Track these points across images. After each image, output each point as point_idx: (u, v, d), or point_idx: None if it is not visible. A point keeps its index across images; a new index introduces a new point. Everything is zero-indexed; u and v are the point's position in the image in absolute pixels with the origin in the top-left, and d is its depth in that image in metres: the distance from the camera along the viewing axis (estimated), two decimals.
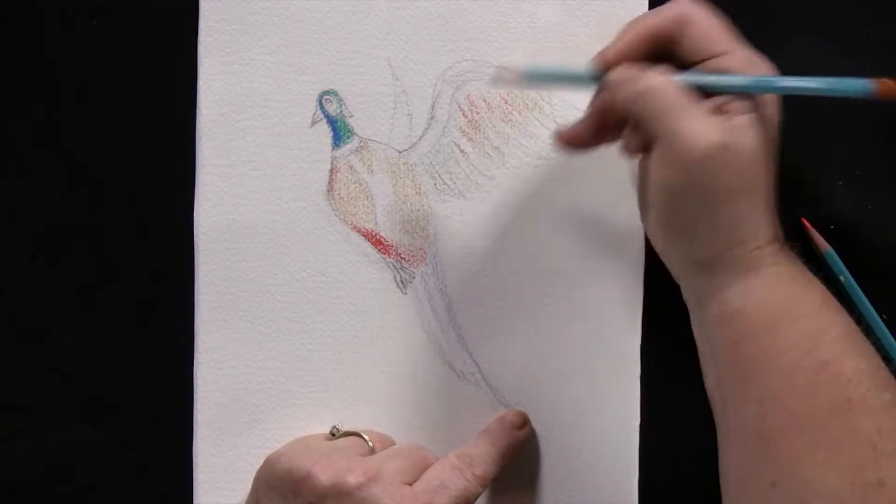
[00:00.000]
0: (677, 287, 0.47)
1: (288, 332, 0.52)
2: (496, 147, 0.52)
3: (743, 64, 0.43)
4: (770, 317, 0.42)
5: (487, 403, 0.51)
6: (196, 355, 0.52)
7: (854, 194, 0.51)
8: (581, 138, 0.47)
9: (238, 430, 0.51)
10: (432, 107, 0.52)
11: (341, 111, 0.52)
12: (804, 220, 0.51)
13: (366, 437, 0.48)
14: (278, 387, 0.52)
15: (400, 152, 0.52)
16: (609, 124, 0.46)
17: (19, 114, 0.53)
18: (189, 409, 0.52)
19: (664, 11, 0.44)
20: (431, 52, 0.52)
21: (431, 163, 0.52)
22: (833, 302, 0.43)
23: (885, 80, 0.35)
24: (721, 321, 0.43)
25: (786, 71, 0.52)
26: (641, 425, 0.51)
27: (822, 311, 0.42)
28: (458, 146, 0.52)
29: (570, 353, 0.51)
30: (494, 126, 0.52)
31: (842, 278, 0.50)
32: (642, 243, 0.51)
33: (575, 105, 0.51)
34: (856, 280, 0.50)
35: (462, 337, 0.52)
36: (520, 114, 0.52)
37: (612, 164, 0.51)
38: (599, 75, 0.44)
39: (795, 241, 0.51)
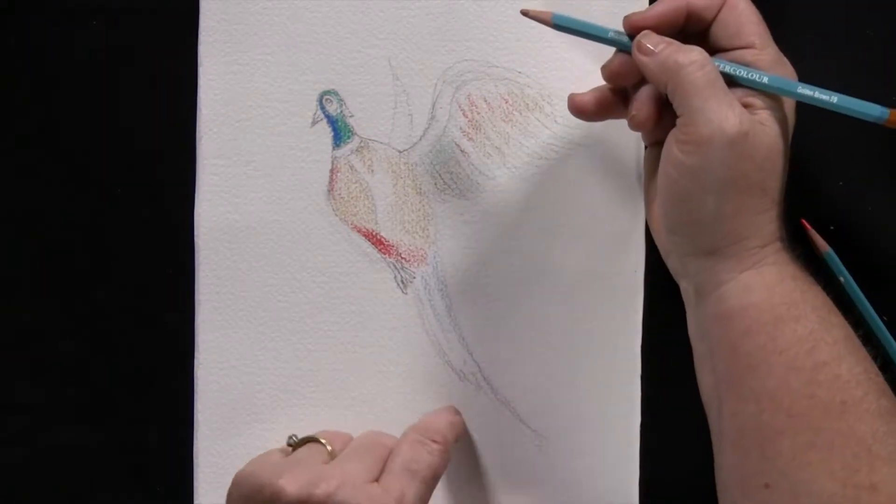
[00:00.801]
0: (677, 287, 0.47)
1: (288, 332, 0.52)
2: (497, 147, 0.52)
3: (770, 61, 0.43)
4: (770, 315, 0.42)
5: (487, 403, 0.51)
6: (196, 355, 0.52)
7: (854, 194, 0.51)
8: (592, 104, 0.47)
9: (238, 430, 0.51)
10: (433, 107, 0.52)
11: (342, 111, 0.52)
12: (804, 220, 0.51)
13: (323, 440, 0.48)
14: (278, 387, 0.52)
15: (400, 152, 0.52)
16: (619, 91, 0.46)
17: (19, 114, 0.53)
18: (189, 409, 0.52)
19: None
20: (432, 52, 0.52)
21: (432, 163, 0.52)
22: (832, 305, 0.43)
23: None
24: (719, 318, 0.43)
25: None
26: (641, 425, 0.51)
27: (822, 313, 0.42)
28: (459, 146, 0.52)
29: (570, 353, 0.51)
30: (495, 126, 0.52)
31: (842, 279, 0.50)
32: (642, 243, 0.51)
33: None
34: (856, 281, 0.50)
35: (462, 337, 0.52)
36: (520, 114, 0.52)
37: (613, 163, 0.51)
38: (628, 38, 0.44)
39: (795, 241, 0.51)
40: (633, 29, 0.44)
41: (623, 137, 0.51)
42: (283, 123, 0.52)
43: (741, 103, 0.42)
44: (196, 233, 0.52)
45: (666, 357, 0.51)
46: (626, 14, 0.45)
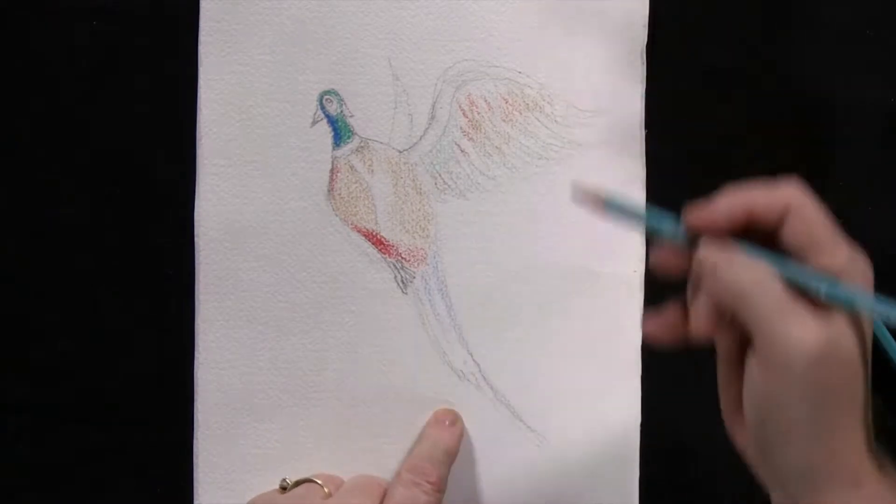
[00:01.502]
0: (677, 287, 0.47)
1: (288, 332, 0.52)
2: (497, 147, 0.52)
3: (843, 264, 0.39)
4: None
5: (487, 403, 0.51)
6: (196, 355, 0.52)
7: (854, 194, 0.51)
8: (673, 327, 0.43)
9: (238, 430, 0.51)
10: (433, 106, 0.52)
11: (342, 111, 0.52)
12: None
13: (319, 481, 0.48)
14: (278, 387, 0.52)
15: (400, 152, 0.52)
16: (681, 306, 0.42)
17: (19, 113, 0.53)
18: (189, 409, 0.52)
19: (771, 194, 0.40)
20: (432, 52, 0.52)
21: (432, 162, 0.52)
22: None
23: None
24: None
25: (788, 71, 0.52)
26: (641, 425, 0.51)
27: None
28: (459, 146, 0.52)
29: (570, 353, 0.51)
30: (495, 126, 0.52)
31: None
32: (642, 243, 0.51)
33: (575, 105, 0.51)
34: None
35: (462, 337, 0.52)
36: (520, 114, 0.52)
37: (613, 163, 0.51)
38: (690, 239, 0.41)
39: None
40: (693, 230, 0.41)
41: (623, 137, 0.51)
42: (283, 123, 0.52)
43: (818, 304, 0.38)
44: (196, 233, 0.52)
45: (666, 357, 0.51)
46: (688, 208, 0.41)
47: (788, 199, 0.40)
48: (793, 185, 0.41)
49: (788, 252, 0.40)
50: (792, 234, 0.40)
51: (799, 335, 0.37)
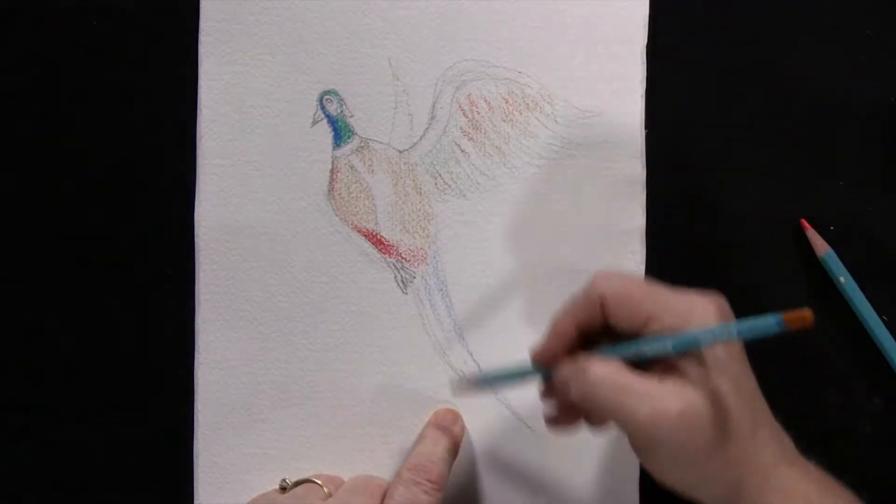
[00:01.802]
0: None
1: (288, 332, 0.52)
2: (497, 147, 0.52)
3: (674, 322, 0.41)
4: None
5: (487, 403, 0.51)
6: (196, 355, 0.52)
7: (854, 194, 0.51)
8: (558, 421, 0.46)
9: (238, 430, 0.51)
10: (433, 106, 0.52)
11: (342, 111, 0.52)
12: (804, 220, 0.51)
13: (319, 481, 0.48)
14: (278, 387, 0.52)
15: (401, 152, 0.52)
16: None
17: (19, 114, 0.53)
18: (189, 409, 0.52)
19: (581, 297, 0.43)
20: (432, 52, 0.52)
21: (432, 162, 0.52)
22: None
23: (790, 312, 0.35)
24: None
25: (789, 71, 0.52)
26: None
27: None
28: (459, 146, 0.52)
29: None
30: (495, 126, 0.52)
31: (842, 279, 0.50)
32: (642, 243, 0.51)
33: (575, 105, 0.51)
34: (855, 281, 0.50)
35: (462, 337, 0.52)
36: (520, 113, 0.52)
37: (613, 163, 0.51)
38: (545, 372, 0.44)
39: (795, 242, 0.51)
40: (544, 365, 0.44)
41: (623, 137, 0.51)
42: (283, 123, 0.52)
43: (671, 370, 0.41)
44: (196, 233, 0.52)
45: None
46: (532, 352, 0.44)
47: (600, 293, 0.42)
48: (600, 277, 0.43)
49: (626, 336, 0.42)
50: (617, 322, 0.42)
51: (651, 411, 0.40)
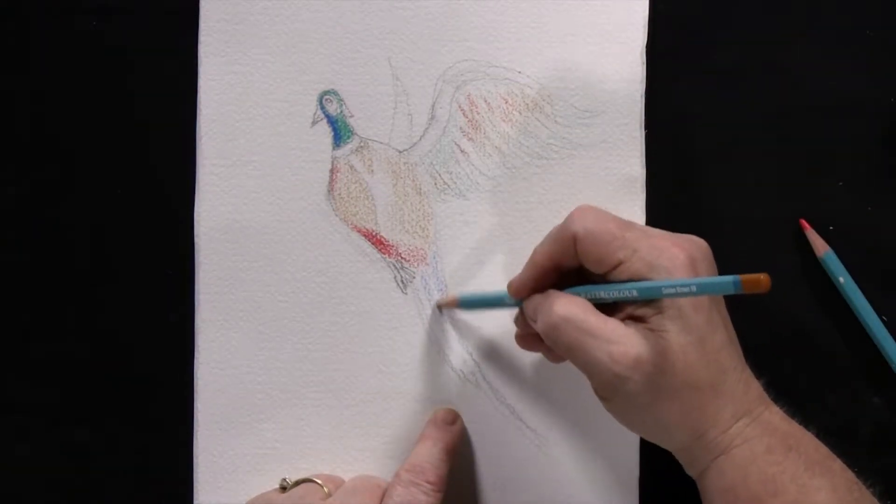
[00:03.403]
0: None
1: (288, 332, 0.52)
2: (497, 147, 0.52)
3: (642, 269, 0.42)
4: (746, 495, 0.42)
5: (487, 403, 0.51)
6: (196, 355, 0.52)
7: (854, 194, 0.51)
8: (526, 343, 0.48)
9: (238, 430, 0.51)
10: (433, 106, 0.52)
11: (342, 111, 0.52)
12: (803, 220, 0.51)
13: (319, 481, 0.48)
14: (278, 387, 0.52)
15: (400, 152, 0.52)
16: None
17: (19, 114, 0.53)
18: (189, 409, 0.52)
19: (559, 234, 0.44)
20: (432, 52, 0.52)
21: (432, 162, 0.52)
22: (819, 463, 0.42)
23: (747, 275, 0.35)
24: (710, 497, 0.43)
25: (789, 71, 0.52)
26: None
27: (802, 480, 0.41)
28: (459, 146, 0.52)
29: None
30: (495, 126, 0.52)
31: (841, 279, 0.50)
32: None
33: (575, 105, 0.51)
34: (855, 281, 0.50)
35: (462, 337, 0.52)
36: (520, 113, 0.52)
37: (613, 163, 0.51)
38: (518, 303, 0.46)
39: (795, 242, 0.51)
40: (516, 296, 0.46)
41: (623, 137, 0.51)
42: (283, 123, 0.52)
43: (634, 317, 0.42)
44: (196, 233, 0.52)
45: None
46: (509, 282, 0.46)
47: (567, 231, 0.43)
48: (576, 213, 0.43)
49: (599, 275, 0.43)
50: (584, 260, 0.43)
51: (611, 354, 0.41)
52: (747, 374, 0.43)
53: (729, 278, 0.36)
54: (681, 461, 0.44)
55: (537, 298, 0.44)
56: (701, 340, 0.41)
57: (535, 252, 0.45)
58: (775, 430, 0.42)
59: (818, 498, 0.41)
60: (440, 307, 0.51)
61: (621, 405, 0.43)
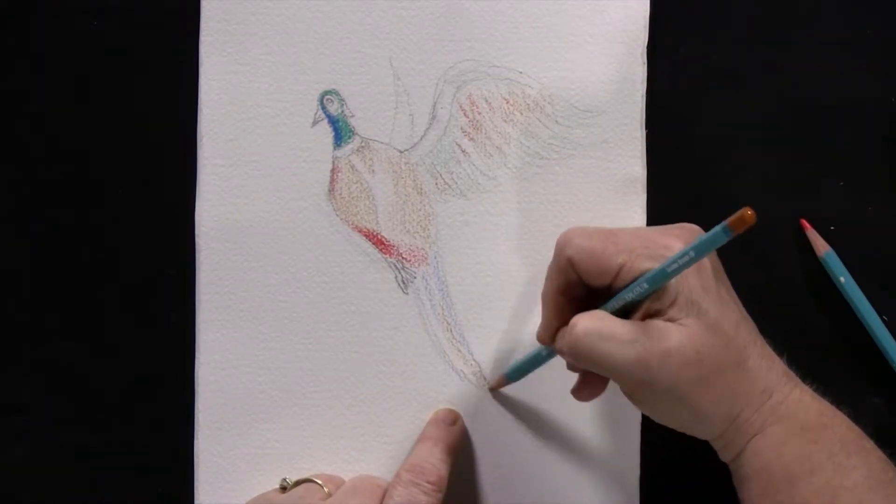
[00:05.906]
0: None
1: (288, 332, 0.52)
2: (497, 147, 0.52)
3: (644, 264, 0.42)
4: (782, 475, 0.42)
5: (487, 403, 0.51)
6: (196, 355, 0.52)
7: (854, 194, 0.51)
8: (582, 391, 0.47)
9: (238, 430, 0.51)
10: (434, 106, 0.52)
11: (343, 111, 0.52)
12: (804, 220, 0.51)
13: (319, 481, 0.48)
14: (278, 387, 0.52)
15: (401, 152, 0.52)
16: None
17: (19, 113, 0.53)
18: (189, 409, 0.52)
19: (553, 265, 0.44)
20: (433, 52, 0.52)
21: (433, 162, 0.52)
22: (854, 439, 0.43)
23: (731, 217, 0.35)
24: (740, 482, 0.44)
25: (789, 71, 0.52)
26: (642, 425, 0.51)
27: (838, 458, 0.42)
28: (460, 146, 0.52)
29: None
30: (496, 126, 0.52)
31: (842, 279, 0.50)
32: None
33: (575, 105, 0.51)
34: (856, 281, 0.50)
35: (462, 337, 0.52)
36: (521, 114, 0.52)
37: (613, 164, 0.51)
38: (552, 350, 0.46)
39: (795, 242, 0.51)
40: (545, 342, 0.46)
41: (623, 137, 0.51)
42: (283, 123, 0.52)
43: (651, 315, 0.42)
44: (197, 233, 0.52)
45: None
46: (536, 334, 0.46)
47: (566, 257, 0.43)
48: (563, 241, 0.44)
49: (607, 292, 0.43)
50: (590, 280, 0.43)
51: (632, 357, 0.41)
52: (768, 350, 0.43)
53: (717, 228, 0.36)
54: (716, 448, 0.44)
55: (561, 332, 0.44)
56: (717, 321, 0.41)
57: (542, 295, 0.45)
58: (808, 408, 0.42)
59: (854, 476, 0.41)
60: (492, 390, 0.51)
61: (655, 403, 0.43)
